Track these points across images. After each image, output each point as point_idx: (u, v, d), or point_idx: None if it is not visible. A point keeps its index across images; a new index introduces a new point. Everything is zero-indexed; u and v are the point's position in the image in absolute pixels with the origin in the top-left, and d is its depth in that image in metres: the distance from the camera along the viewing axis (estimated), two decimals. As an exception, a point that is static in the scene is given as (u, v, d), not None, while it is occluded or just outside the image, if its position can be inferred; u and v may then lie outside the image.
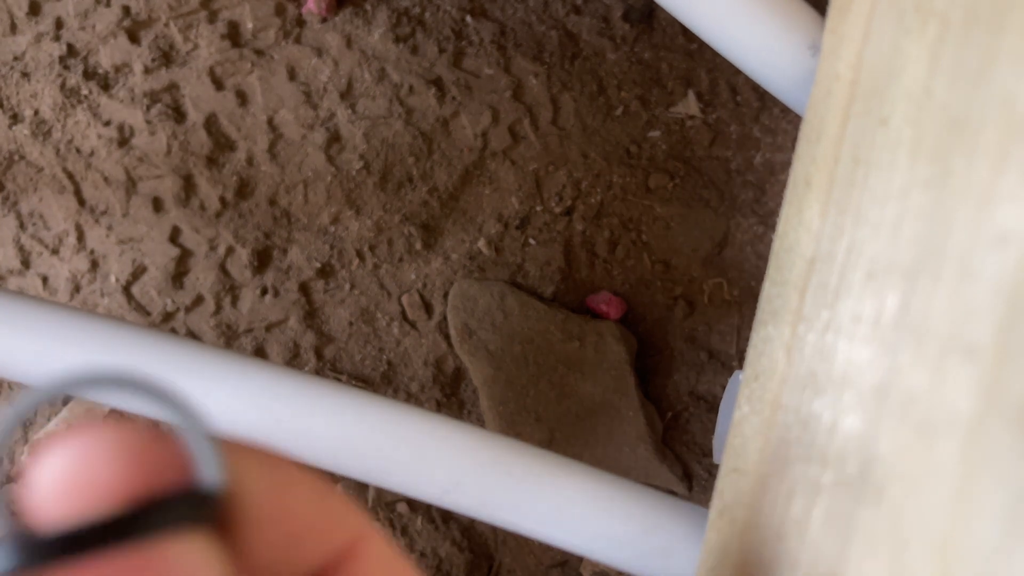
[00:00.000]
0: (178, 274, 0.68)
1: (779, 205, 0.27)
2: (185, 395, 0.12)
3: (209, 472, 0.11)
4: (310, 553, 0.12)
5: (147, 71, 0.72)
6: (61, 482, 0.10)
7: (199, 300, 0.67)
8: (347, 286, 0.68)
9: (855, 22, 0.24)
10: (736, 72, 0.73)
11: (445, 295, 0.68)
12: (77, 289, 0.67)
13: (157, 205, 0.69)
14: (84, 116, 0.70)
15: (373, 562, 0.12)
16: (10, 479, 0.59)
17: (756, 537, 0.22)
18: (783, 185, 0.71)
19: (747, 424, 0.25)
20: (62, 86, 0.71)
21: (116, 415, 0.58)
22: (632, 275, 0.69)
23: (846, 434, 0.19)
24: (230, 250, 0.68)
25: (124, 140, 0.70)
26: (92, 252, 0.68)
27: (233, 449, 0.12)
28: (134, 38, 0.72)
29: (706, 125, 0.73)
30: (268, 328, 0.67)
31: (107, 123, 0.70)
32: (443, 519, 0.63)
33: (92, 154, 0.70)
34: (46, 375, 0.28)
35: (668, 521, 0.28)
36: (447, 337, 0.67)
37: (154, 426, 0.12)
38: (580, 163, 0.71)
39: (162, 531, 0.11)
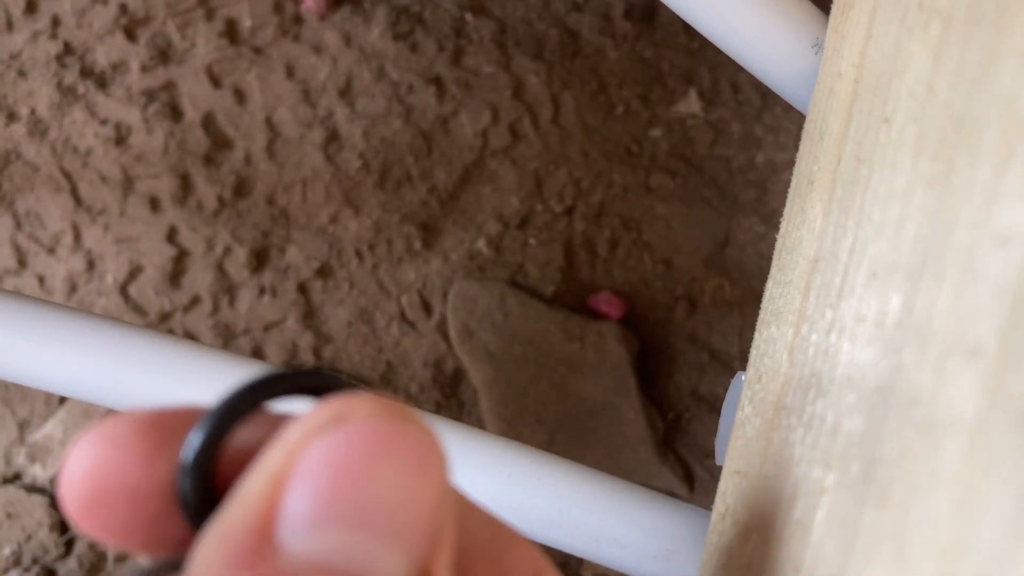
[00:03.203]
0: (175, 274, 0.67)
1: (781, 204, 0.27)
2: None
3: None
4: None
5: (144, 69, 0.71)
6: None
7: (196, 300, 0.67)
8: (346, 286, 0.68)
9: (858, 20, 0.24)
10: (738, 70, 0.73)
11: (445, 295, 0.67)
12: (74, 289, 0.67)
13: (154, 204, 0.69)
14: (81, 115, 0.70)
15: None
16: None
17: (758, 540, 0.22)
18: (785, 184, 0.71)
19: (749, 425, 0.25)
20: (59, 84, 0.71)
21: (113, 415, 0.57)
22: (633, 275, 0.69)
23: (849, 436, 0.19)
24: (228, 250, 0.68)
25: (121, 139, 0.70)
26: (89, 252, 0.68)
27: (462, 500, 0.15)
28: (131, 36, 0.72)
29: (708, 124, 0.72)
30: (266, 328, 0.67)
31: (104, 122, 0.70)
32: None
33: (89, 153, 0.69)
34: (42, 376, 0.28)
35: (669, 523, 0.28)
36: (447, 337, 0.67)
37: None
38: (581, 162, 0.71)
39: None
